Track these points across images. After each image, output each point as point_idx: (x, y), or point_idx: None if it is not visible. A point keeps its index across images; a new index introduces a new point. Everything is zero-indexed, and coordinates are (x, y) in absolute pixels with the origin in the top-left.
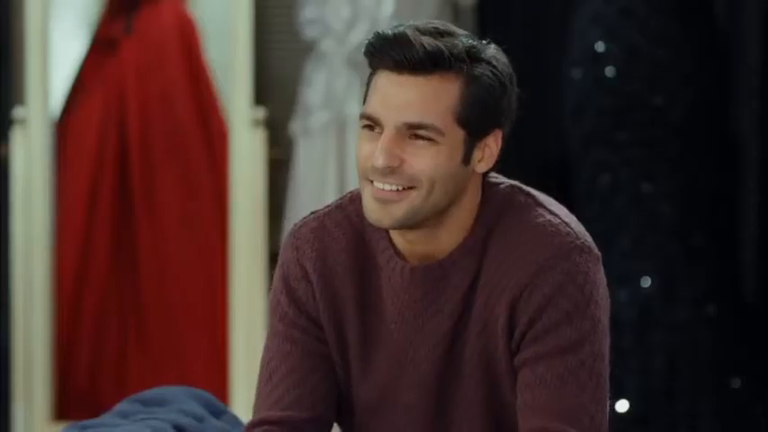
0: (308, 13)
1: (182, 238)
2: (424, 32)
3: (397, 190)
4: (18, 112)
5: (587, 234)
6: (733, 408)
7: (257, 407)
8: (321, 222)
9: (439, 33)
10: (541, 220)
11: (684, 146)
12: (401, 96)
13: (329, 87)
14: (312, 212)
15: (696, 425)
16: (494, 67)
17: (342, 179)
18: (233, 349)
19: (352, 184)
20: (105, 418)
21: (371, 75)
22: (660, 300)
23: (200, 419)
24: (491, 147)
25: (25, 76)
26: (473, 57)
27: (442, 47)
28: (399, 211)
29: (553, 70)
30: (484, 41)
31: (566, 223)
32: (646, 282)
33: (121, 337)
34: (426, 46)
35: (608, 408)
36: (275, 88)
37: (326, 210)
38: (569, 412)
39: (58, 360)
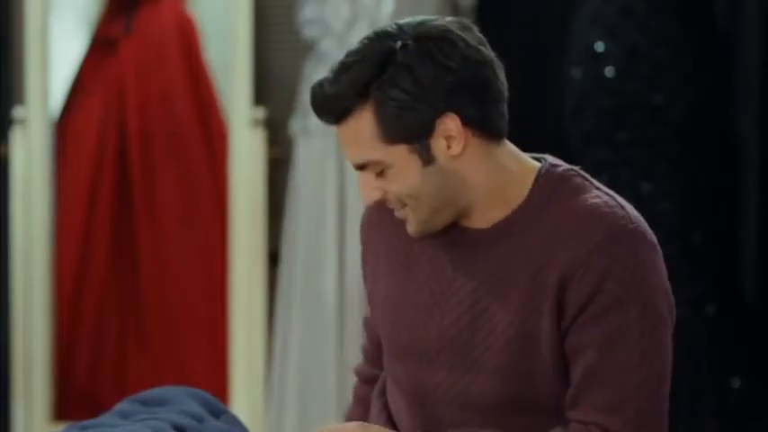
0: (307, 12)
1: (182, 238)
2: (331, 79)
3: (399, 209)
4: (18, 111)
5: (643, 221)
6: (733, 408)
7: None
8: None
9: (344, 69)
10: (597, 200)
11: (684, 146)
12: (342, 143)
13: None
14: None
15: (696, 425)
16: (402, 71)
17: (341, 179)
18: (233, 349)
19: (352, 184)
20: (105, 418)
21: None
22: None
23: (200, 420)
24: (451, 130)
25: (25, 76)
26: (373, 79)
27: (339, 94)
28: (413, 224)
29: (553, 70)
30: (404, 29)
31: (621, 206)
32: None
33: (121, 337)
34: (327, 103)
35: (665, 397)
36: (275, 88)
37: None
38: (611, 404)
39: (58, 360)
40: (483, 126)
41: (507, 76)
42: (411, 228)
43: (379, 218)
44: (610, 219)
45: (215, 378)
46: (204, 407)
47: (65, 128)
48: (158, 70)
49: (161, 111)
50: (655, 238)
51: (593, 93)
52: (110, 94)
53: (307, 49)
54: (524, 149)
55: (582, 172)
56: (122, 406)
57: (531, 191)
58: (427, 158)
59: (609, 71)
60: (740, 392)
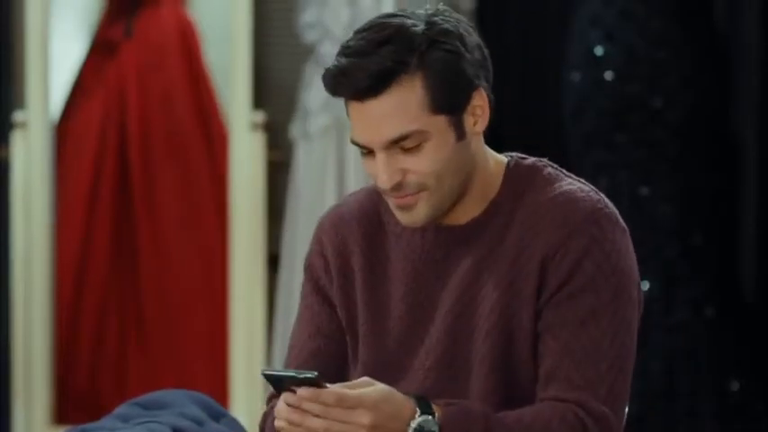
0: (307, 16)
1: (182, 239)
2: (364, 51)
3: (412, 194)
4: (18, 115)
5: (614, 207)
6: (733, 408)
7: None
8: (345, 201)
9: (382, 42)
10: (572, 187)
11: (684, 147)
12: (372, 120)
13: None
14: (350, 194)
15: (696, 426)
16: (444, 42)
17: (341, 182)
18: (233, 350)
19: (352, 187)
20: (105, 421)
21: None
22: (659, 301)
23: (199, 423)
24: (480, 106)
25: (25, 80)
26: (420, 48)
27: (385, 63)
28: (422, 211)
29: (552, 72)
30: (431, 9)
31: (595, 191)
32: (645, 284)
33: (121, 338)
34: (369, 71)
35: (630, 378)
36: (275, 92)
37: (359, 189)
38: (586, 382)
39: (58, 361)
40: (489, 111)
41: (507, 77)
42: (419, 214)
43: (362, 227)
44: (587, 202)
45: (215, 380)
46: (204, 410)
47: (65, 131)
48: (158, 73)
49: (161, 113)
50: (625, 225)
51: (592, 94)
52: (110, 96)
53: (306, 52)
54: (524, 151)
55: (551, 162)
56: (122, 409)
57: (504, 183)
58: (461, 133)
59: (608, 73)
60: (740, 393)
